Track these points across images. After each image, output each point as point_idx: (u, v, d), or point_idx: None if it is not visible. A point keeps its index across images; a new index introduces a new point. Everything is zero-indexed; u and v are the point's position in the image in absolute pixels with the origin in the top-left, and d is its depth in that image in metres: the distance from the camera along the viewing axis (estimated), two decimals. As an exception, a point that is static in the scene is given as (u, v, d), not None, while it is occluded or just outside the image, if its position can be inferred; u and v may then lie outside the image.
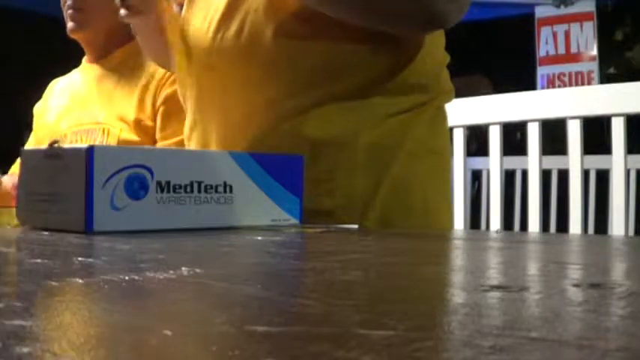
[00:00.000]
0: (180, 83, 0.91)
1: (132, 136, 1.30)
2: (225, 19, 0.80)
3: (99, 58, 1.44)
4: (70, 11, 1.38)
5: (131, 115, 1.31)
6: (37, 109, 1.53)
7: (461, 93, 1.23)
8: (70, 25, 1.39)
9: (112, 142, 1.30)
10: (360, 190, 0.79)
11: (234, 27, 0.79)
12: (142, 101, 1.32)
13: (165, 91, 1.31)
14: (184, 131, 0.92)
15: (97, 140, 1.31)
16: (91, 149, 0.52)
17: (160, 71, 1.30)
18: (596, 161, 2.09)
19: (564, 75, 3.87)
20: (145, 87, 1.34)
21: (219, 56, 0.81)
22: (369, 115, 0.79)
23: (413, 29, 0.80)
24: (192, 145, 0.89)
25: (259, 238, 0.51)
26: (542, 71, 3.94)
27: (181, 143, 1.28)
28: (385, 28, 0.78)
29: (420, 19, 0.77)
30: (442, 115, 0.88)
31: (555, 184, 2.34)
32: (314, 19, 0.77)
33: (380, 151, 0.79)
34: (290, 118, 0.78)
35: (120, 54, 1.41)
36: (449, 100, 0.89)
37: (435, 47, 0.85)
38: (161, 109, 1.31)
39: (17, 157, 1.39)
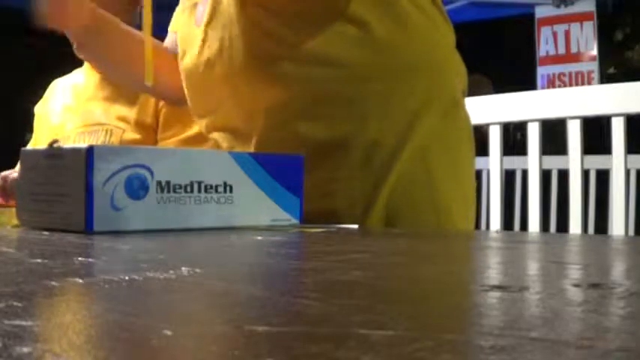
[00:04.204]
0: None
1: (135, 136, 1.31)
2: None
3: None
4: None
5: (133, 115, 1.32)
6: (39, 109, 1.53)
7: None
8: None
9: (115, 142, 1.30)
10: (361, 190, 0.76)
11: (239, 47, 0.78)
12: (145, 101, 1.33)
13: None
14: None
15: (100, 141, 1.31)
16: (90, 149, 0.52)
17: None
18: (596, 161, 2.09)
19: (564, 75, 3.87)
20: None
21: (227, 72, 0.79)
22: (371, 109, 0.76)
23: None
24: None
25: (259, 238, 0.51)
26: (542, 71, 3.94)
27: (180, 143, 1.28)
28: None
29: None
30: (457, 106, 0.82)
31: (555, 184, 2.34)
32: (296, 19, 0.75)
33: (383, 148, 0.76)
34: (291, 121, 0.77)
35: None
36: (461, 88, 0.83)
37: (431, 26, 0.80)
38: (164, 110, 1.31)
39: (17, 158, 1.39)
